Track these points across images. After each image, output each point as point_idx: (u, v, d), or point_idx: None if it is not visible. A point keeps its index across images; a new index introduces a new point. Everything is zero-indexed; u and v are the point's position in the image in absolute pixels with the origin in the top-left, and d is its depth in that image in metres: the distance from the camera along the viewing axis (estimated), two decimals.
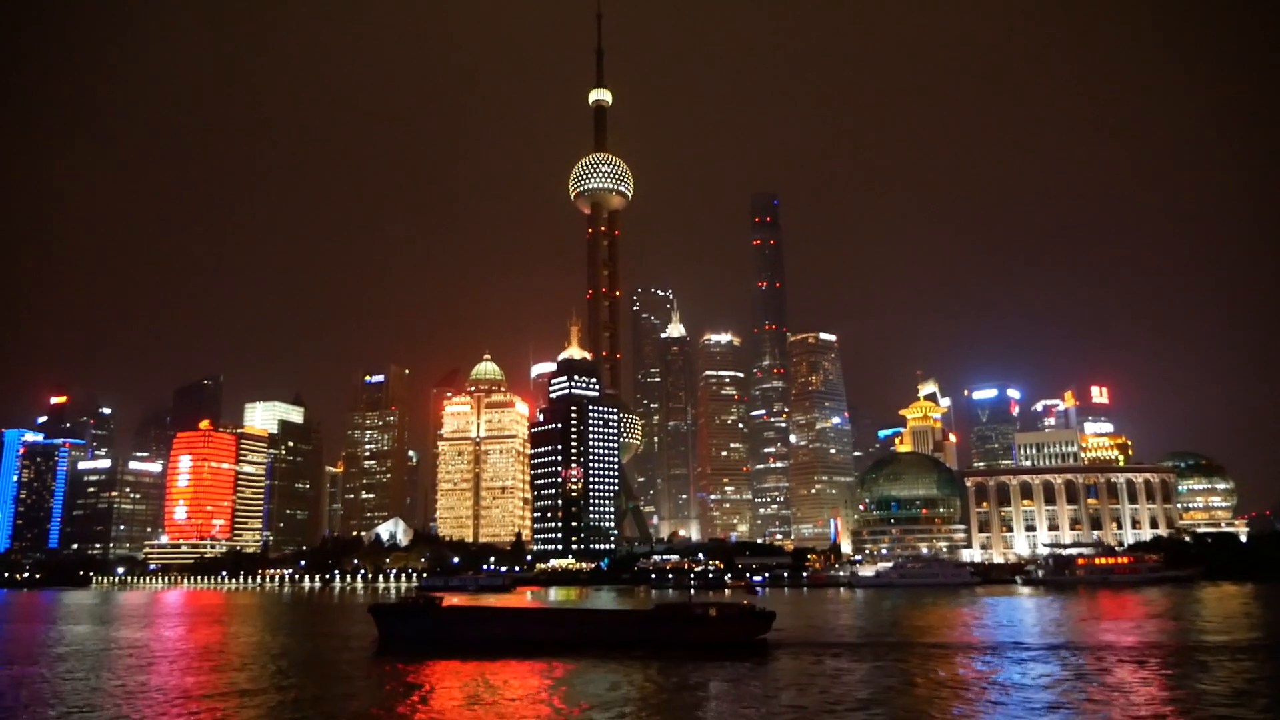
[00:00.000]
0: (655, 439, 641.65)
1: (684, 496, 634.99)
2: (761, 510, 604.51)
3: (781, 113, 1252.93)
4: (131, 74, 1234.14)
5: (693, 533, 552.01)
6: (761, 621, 74.15)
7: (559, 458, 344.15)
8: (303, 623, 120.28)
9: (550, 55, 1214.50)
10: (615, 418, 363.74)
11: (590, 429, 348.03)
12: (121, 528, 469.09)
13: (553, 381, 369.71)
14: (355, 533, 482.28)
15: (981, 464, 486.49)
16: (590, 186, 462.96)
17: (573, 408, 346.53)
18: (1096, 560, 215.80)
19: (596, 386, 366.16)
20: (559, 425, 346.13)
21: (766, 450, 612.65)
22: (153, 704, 50.57)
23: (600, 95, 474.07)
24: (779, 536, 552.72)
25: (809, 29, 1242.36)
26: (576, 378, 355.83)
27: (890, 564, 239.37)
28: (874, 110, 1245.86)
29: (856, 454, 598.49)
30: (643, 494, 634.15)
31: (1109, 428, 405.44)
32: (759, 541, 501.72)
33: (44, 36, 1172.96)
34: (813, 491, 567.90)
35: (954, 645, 73.88)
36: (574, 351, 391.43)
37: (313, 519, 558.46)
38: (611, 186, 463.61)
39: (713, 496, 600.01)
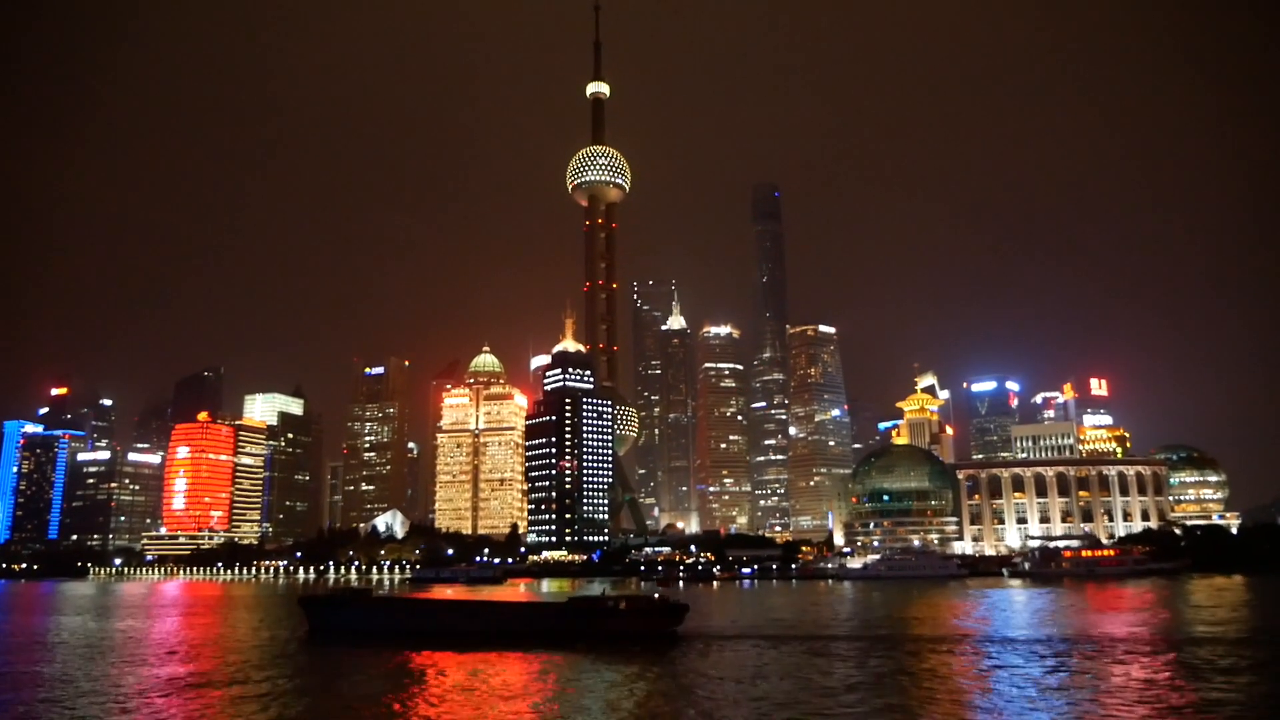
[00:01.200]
0: (656, 431, 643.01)
1: (684, 488, 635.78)
2: (762, 502, 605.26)
3: (783, 104, 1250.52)
4: (131, 68, 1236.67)
5: (692, 525, 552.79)
6: (673, 614, 75.90)
7: (553, 450, 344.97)
8: (259, 614, 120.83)
9: (549, 47, 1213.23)
10: (609, 410, 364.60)
11: (584, 421, 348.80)
12: (121, 519, 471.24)
13: (547, 374, 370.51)
14: (355, 524, 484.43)
15: (980, 456, 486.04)
16: (587, 179, 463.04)
17: (567, 400, 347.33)
18: (1083, 553, 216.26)
19: (591, 379, 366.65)
20: (553, 418, 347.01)
21: (767, 442, 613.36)
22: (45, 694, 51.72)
23: (598, 88, 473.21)
24: (778, 528, 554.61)
25: (811, 20, 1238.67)
26: (571, 370, 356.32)
27: (877, 556, 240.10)
28: (875, 102, 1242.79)
29: (856, 446, 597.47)
30: (643, 486, 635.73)
31: (1108, 420, 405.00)
32: (758, 533, 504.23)
33: (45, 31, 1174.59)
34: (811, 484, 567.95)
35: (882, 638, 74.64)
36: (568, 344, 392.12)
37: (312, 510, 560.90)
38: (608, 179, 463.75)
39: (712, 488, 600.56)
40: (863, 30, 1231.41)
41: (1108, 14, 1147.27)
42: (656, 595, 78.77)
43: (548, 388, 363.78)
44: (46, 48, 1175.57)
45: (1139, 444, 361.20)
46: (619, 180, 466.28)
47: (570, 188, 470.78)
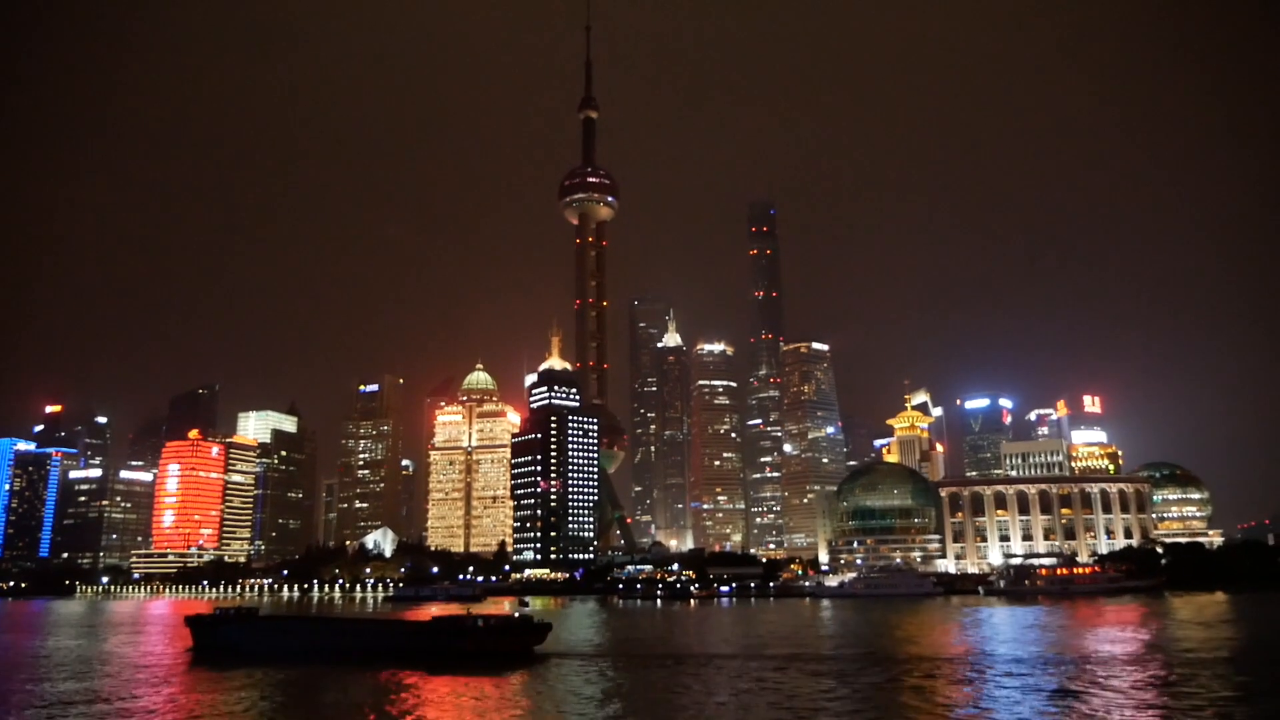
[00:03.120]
0: (652, 448, 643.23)
1: (680, 506, 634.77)
2: (758, 520, 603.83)
3: (779, 121, 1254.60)
4: (126, 86, 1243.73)
5: (687, 542, 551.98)
6: (535, 633, 77.79)
7: (538, 468, 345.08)
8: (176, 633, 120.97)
9: (543, 66, 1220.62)
10: (596, 428, 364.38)
11: (570, 439, 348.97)
12: (113, 537, 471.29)
13: (532, 392, 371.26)
14: (348, 542, 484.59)
15: (974, 473, 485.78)
16: (577, 197, 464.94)
17: (552, 418, 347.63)
18: (1058, 571, 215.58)
19: (576, 397, 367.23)
20: (538, 435, 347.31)
21: (763, 460, 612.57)
22: None
23: (589, 107, 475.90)
24: (772, 546, 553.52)
25: (805, 38, 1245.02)
26: (556, 388, 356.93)
27: (854, 575, 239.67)
28: (871, 120, 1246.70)
29: (851, 463, 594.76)
30: (640, 503, 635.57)
31: (1101, 437, 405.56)
32: (751, 551, 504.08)
33: (42, 48, 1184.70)
34: (805, 501, 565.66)
35: (762, 656, 75.79)
36: (554, 362, 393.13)
37: (306, 528, 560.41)
38: (598, 197, 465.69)
39: (705, 506, 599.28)
40: (858, 48, 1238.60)
41: (1099, 33, 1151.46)
42: (517, 614, 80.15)
43: (533, 406, 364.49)
44: (44, 67, 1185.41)
45: (1132, 461, 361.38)
46: (609, 198, 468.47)
47: (561, 205, 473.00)
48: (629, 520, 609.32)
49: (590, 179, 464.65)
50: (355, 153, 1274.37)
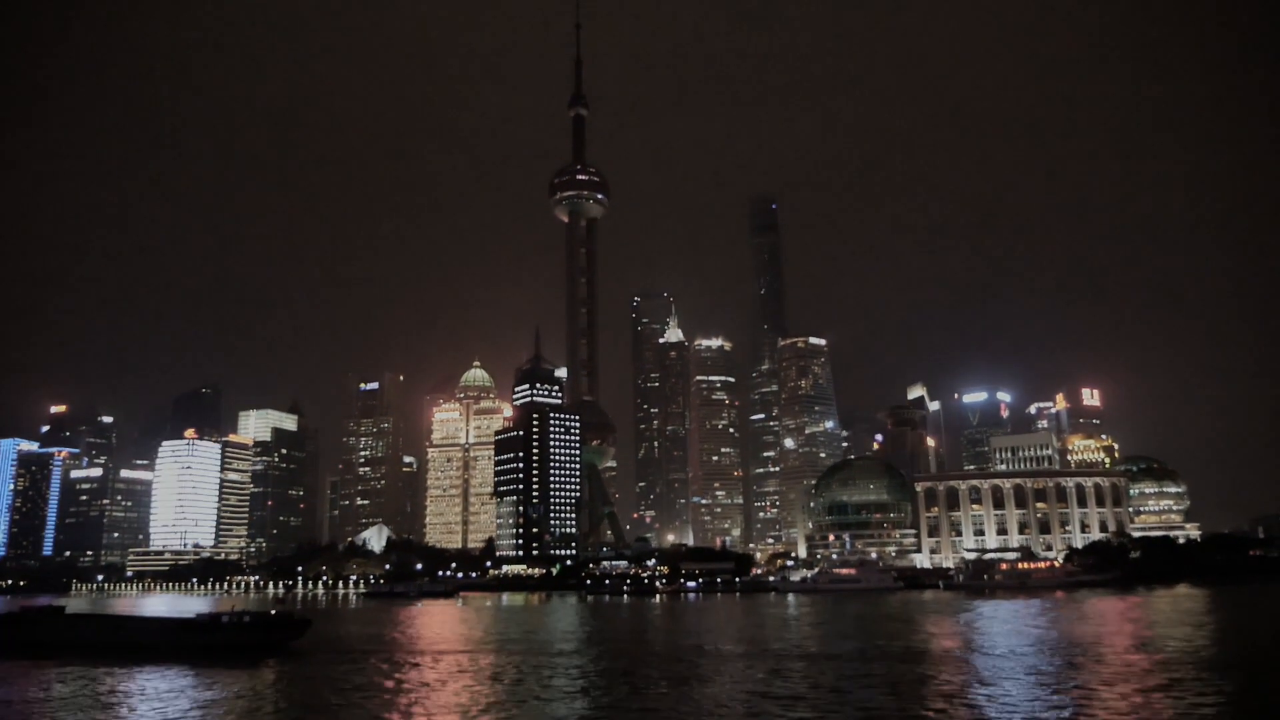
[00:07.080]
0: (655, 444, 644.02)
1: (682, 501, 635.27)
2: (761, 515, 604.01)
3: (779, 115, 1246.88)
4: (130, 91, 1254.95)
5: (688, 538, 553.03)
6: (291, 629, 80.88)
7: (520, 465, 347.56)
8: None
9: (540, 63, 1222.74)
10: (577, 425, 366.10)
11: (551, 436, 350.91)
12: (115, 535, 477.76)
13: (515, 390, 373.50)
14: (349, 539, 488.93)
15: (972, 466, 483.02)
16: (567, 195, 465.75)
17: (534, 415, 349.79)
18: (1017, 565, 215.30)
19: (559, 394, 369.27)
20: (520, 433, 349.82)
21: (765, 455, 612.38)
22: None
23: (578, 105, 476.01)
24: (770, 540, 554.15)
25: (805, 30, 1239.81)
26: (538, 386, 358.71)
27: (816, 569, 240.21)
28: (870, 114, 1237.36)
29: (851, 458, 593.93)
30: (643, 499, 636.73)
31: (1099, 430, 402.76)
32: (751, 546, 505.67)
33: (49, 49, 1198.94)
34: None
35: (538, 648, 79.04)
36: (536, 360, 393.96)
37: (308, 525, 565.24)
38: (588, 195, 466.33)
39: (704, 501, 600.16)
40: (857, 42, 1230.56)
41: (1110, 26, 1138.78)
42: (273, 611, 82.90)
43: (516, 403, 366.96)
44: (47, 76, 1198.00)
45: (1128, 454, 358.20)
46: (599, 196, 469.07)
47: (551, 203, 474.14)
48: (635, 515, 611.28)
49: (580, 176, 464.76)
50: (350, 153, 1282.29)
